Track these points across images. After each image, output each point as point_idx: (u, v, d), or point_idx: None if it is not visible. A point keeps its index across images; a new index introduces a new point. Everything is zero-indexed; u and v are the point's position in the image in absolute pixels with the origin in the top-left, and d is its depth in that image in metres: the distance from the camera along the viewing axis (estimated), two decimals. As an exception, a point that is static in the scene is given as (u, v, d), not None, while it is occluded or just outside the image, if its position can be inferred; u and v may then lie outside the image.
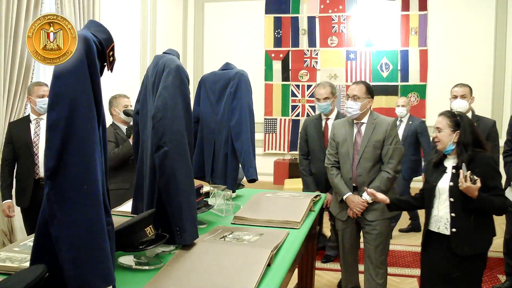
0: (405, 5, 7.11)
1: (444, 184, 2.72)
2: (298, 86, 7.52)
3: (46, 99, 3.52)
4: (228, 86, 2.63)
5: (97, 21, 1.40)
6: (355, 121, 3.37)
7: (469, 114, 3.86)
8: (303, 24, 7.49)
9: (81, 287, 1.20)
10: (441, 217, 2.72)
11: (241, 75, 2.61)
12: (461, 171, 2.55)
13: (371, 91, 3.37)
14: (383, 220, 3.30)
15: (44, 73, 4.64)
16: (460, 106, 4.01)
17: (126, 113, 3.70)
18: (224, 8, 7.77)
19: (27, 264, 1.70)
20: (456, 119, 2.74)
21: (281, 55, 7.58)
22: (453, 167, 2.70)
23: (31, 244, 1.93)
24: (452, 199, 2.67)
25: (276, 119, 7.63)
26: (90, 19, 4.97)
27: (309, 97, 7.42)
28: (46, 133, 1.20)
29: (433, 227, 2.76)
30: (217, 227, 2.29)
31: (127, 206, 2.54)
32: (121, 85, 5.21)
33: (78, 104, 1.18)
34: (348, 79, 7.26)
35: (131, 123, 3.59)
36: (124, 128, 3.81)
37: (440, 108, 6.51)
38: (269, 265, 1.75)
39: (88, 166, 1.20)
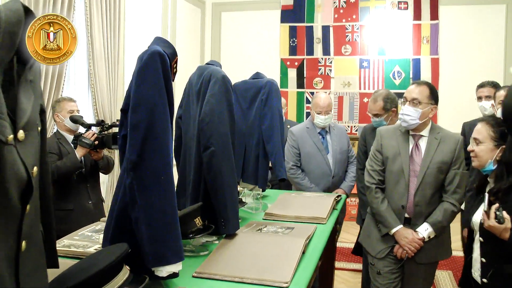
0: (417, 15, 7.29)
1: (477, 217, 2.11)
2: (312, 93, 7.71)
3: None
4: (260, 93, 2.87)
5: (163, 37, 1.64)
6: (411, 132, 2.70)
7: None
8: (318, 33, 7.70)
9: (157, 261, 1.43)
10: (475, 260, 2.14)
11: (271, 84, 2.86)
12: (483, 204, 1.97)
13: (436, 96, 2.67)
14: (434, 263, 2.73)
15: (74, 83, 4.86)
16: None
17: (73, 119, 3.17)
18: (241, 17, 8.00)
19: (90, 249, 1.94)
20: (502, 129, 2.06)
21: (296, 63, 7.79)
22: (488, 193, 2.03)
23: (88, 233, 2.19)
24: (481, 239, 2.06)
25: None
26: (116, 29, 5.22)
27: (323, 104, 7.61)
28: (129, 132, 1.43)
29: (473, 271, 2.18)
30: (251, 222, 2.51)
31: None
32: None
33: (156, 108, 1.42)
34: (361, 87, 7.45)
35: (79, 131, 3.22)
36: (70, 138, 3.24)
37: (451, 115, 6.65)
38: (303, 252, 1.97)
39: (165, 160, 1.43)
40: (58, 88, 4.30)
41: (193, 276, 1.71)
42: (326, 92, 7.44)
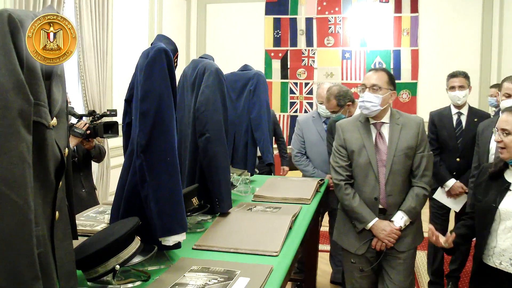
0: (398, 7, 7.52)
1: (508, 206, 2.09)
2: (296, 83, 7.92)
3: None
4: (248, 84, 3.09)
5: (164, 35, 1.83)
6: (372, 121, 2.63)
7: None
8: (301, 25, 7.89)
9: (164, 232, 1.62)
10: (504, 250, 2.11)
11: (259, 75, 3.08)
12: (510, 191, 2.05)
13: (394, 82, 2.64)
14: (414, 249, 2.66)
15: (67, 78, 4.98)
16: None
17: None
18: (226, 10, 8.14)
19: (97, 228, 2.13)
20: None
21: (280, 54, 7.98)
22: None
23: (93, 215, 2.38)
24: None
25: (275, 115, 8.03)
26: (105, 20, 5.36)
27: (306, 94, 7.83)
28: (139, 119, 1.62)
29: (492, 261, 2.16)
30: (241, 203, 2.72)
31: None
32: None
33: (163, 97, 1.61)
34: (343, 77, 7.67)
35: (71, 122, 3.31)
36: None
37: (430, 104, 6.92)
38: (290, 228, 2.18)
39: (171, 143, 1.63)
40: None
41: (193, 248, 1.92)
42: (309, 83, 7.74)
